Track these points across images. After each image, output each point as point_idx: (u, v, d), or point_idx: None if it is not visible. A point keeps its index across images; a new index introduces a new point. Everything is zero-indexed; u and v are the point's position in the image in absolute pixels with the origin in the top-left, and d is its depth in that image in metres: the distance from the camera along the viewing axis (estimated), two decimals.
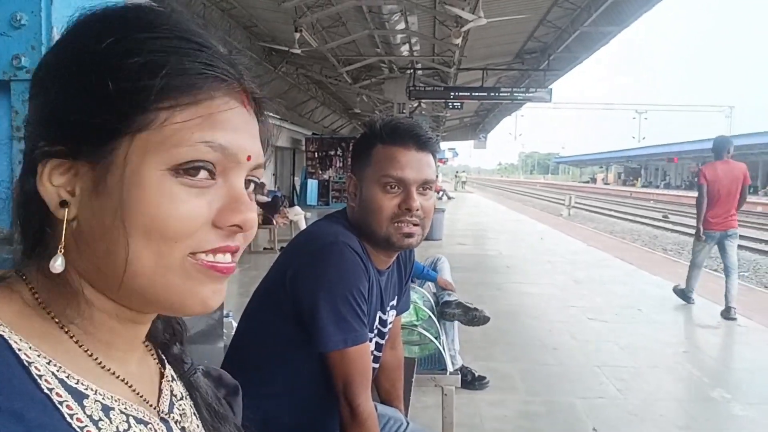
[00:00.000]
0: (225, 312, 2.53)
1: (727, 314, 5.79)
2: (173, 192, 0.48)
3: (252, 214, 0.52)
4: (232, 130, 0.50)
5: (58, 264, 0.48)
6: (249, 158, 0.52)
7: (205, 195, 0.49)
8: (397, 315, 1.69)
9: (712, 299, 6.47)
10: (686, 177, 53.50)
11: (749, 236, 15.41)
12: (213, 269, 0.50)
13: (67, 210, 0.48)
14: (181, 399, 0.61)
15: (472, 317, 3.66)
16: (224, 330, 2.40)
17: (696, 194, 6.18)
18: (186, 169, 0.48)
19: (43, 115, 0.50)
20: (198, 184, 0.49)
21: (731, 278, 5.85)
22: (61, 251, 0.48)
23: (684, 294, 6.34)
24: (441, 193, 26.72)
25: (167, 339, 0.64)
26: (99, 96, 0.47)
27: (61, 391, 0.46)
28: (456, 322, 3.70)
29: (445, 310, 3.64)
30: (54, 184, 0.49)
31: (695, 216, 6.18)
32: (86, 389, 0.48)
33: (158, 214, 0.47)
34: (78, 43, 0.50)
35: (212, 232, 0.50)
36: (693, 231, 6.41)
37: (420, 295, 3.49)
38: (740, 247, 13.13)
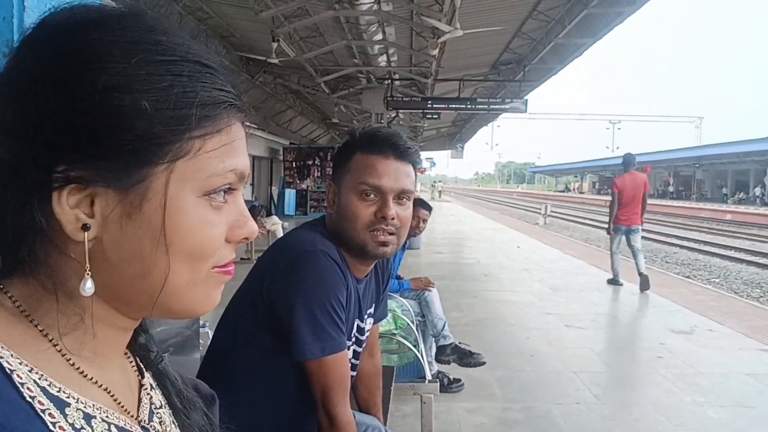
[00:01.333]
0: (201, 322, 2.50)
1: (645, 285, 7.35)
2: (209, 217, 0.51)
3: (253, 223, 0.57)
4: (243, 154, 0.54)
5: (88, 286, 0.48)
6: (247, 176, 0.56)
7: (223, 215, 0.53)
8: (375, 323, 1.69)
9: (685, 305, 6.60)
10: (659, 186, 54.50)
11: (719, 243, 15.76)
12: (226, 274, 0.55)
13: (86, 233, 0.47)
14: (160, 408, 0.61)
15: (467, 363, 3.87)
16: (200, 340, 2.38)
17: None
18: (211, 193, 0.51)
19: (55, 137, 0.46)
20: (220, 206, 0.52)
21: (638, 257, 7.62)
22: (88, 274, 0.48)
23: (615, 280, 7.90)
24: None
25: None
26: (131, 121, 0.46)
27: (44, 399, 0.46)
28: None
29: (441, 357, 3.83)
30: (70, 206, 0.47)
31: (608, 216, 8.19)
32: (68, 397, 0.48)
33: (198, 237, 0.51)
34: (73, 55, 0.47)
35: (227, 247, 0.54)
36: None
37: (399, 303, 3.50)
38: (711, 254, 13.68)
